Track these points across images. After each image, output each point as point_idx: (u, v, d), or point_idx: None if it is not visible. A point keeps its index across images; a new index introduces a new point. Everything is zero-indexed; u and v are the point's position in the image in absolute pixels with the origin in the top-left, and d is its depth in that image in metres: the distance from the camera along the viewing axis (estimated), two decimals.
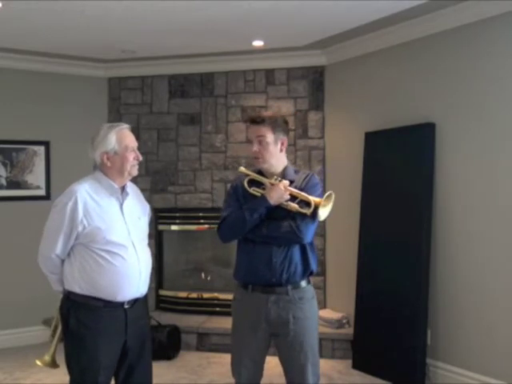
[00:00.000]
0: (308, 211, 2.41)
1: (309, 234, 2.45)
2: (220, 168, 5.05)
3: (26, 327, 4.84)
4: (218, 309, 4.97)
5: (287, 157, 2.65)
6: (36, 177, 4.95)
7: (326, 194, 2.43)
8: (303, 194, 2.45)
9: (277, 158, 2.55)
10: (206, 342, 4.65)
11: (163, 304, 5.17)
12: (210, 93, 5.09)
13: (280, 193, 2.43)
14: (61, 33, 4.18)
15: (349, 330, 4.39)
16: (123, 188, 2.47)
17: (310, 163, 4.81)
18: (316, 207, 2.40)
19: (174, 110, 5.17)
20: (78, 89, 5.12)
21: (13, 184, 4.86)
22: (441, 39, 3.83)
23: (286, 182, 2.47)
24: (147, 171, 5.08)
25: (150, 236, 2.66)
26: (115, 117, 5.18)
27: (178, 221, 5.12)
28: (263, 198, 2.46)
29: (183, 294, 5.13)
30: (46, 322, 4.85)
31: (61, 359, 2.50)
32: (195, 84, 5.12)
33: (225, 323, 4.62)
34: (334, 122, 4.77)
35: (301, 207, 2.43)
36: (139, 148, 2.51)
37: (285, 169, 2.58)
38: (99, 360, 2.33)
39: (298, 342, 2.47)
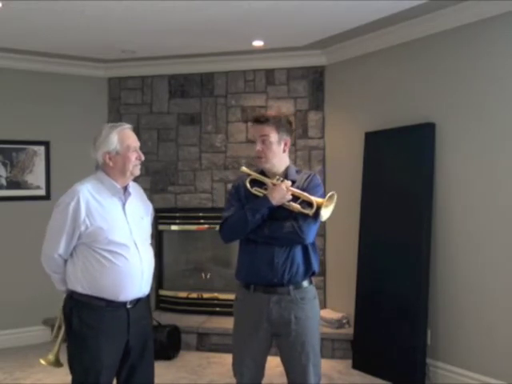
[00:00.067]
0: (310, 212, 2.41)
1: (311, 234, 2.45)
2: (220, 168, 5.05)
3: (25, 327, 4.85)
4: (218, 309, 4.97)
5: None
6: (36, 177, 4.95)
7: (329, 195, 2.42)
8: (305, 194, 2.45)
9: (279, 158, 2.55)
10: (206, 342, 4.65)
11: (163, 304, 5.17)
12: (210, 93, 5.09)
13: (282, 193, 2.43)
14: (61, 33, 4.18)
15: (349, 330, 4.39)
16: (126, 188, 2.47)
17: (310, 163, 4.81)
18: (318, 208, 2.40)
19: (174, 110, 5.17)
20: (77, 89, 5.12)
21: (13, 184, 4.86)
22: (441, 39, 3.83)
23: (288, 183, 2.46)
24: (147, 171, 5.08)
25: (150, 236, 2.66)
26: (115, 117, 5.18)
27: (178, 221, 5.12)
28: (265, 198, 2.45)
29: (183, 294, 5.13)
30: (46, 322, 4.88)
31: (64, 359, 2.50)
32: (195, 84, 5.12)
33: (225, 323, 4.62)
34: (334, 122, 4.77)
35: (303, 207, 2.43)
36: (139, 148, 2.52)
37: (287, 169, 2.57)
38: (101, 360, 2.33)
39: (300, 343, 2.47)
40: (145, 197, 2.66)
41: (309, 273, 2.54)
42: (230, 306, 4.97)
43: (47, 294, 4.72)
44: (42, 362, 2.63)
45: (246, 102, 5.00)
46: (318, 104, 4.85)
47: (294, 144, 4.80)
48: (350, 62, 4.58)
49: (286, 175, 2.54)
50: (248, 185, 2.54)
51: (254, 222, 2.43)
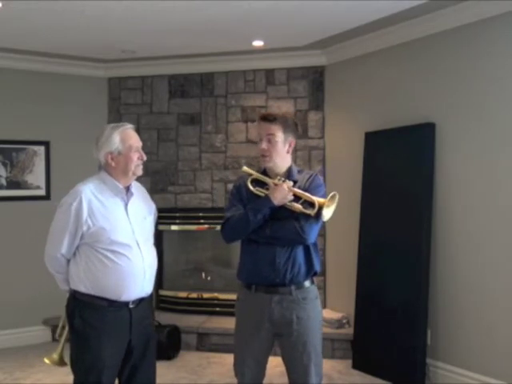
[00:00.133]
0: (312, 212, 2.40)
1: (312, 234, 2.45)
2: (220, 168, 5.05)
3: (25, 327, 4.84)
4: (218, 309, 4.97)
5: None
6: (36, 177, 4.95)
7: (330, 195, 2.42)
8: (307, 194, 2.44)
9: (283, 158, 2.54)
10: (206, 342, 4.65)
11: (163, 304, 5.17)
12: (210, 93, 5.09)
13: (284, 193, 2.42)
14: (61, 33, 4.18)
15: (349, 330, 4.39)
16: (128, 188, 2.48)
17: (310, 163, 4.81)
18: (320, 208, 2.39)
19: (174, 110, 5.17)
20: (77, 89, 5.12)
21: (13, 184, 4.86)
22: (441, 39, 3.83)
23: (290, 183, 2.46)
24: (147, 171, 5.04)
25: (153, 236, 2.65)
26: (115, 117, 5.18)
27: (178, 221, 5.12)
28: (267, 198, 2.44)
29: (183, 294, 5.13)
30: (46, 322, 4.88)
31: (68, 358, 2.50)
32: (195, 84, 5.12)
33: (225, 323, 4.62)
34: (334, 122, 4.77)
35: (305, 208, 2.42)
36: (141, 148, 2.52)
37: (289, 169, 2.57)
38: (103, 359, 2.34)
39: (302, 343, 2.46)
40: (148, 197, 2.66)
41: (310, 273, 2.53)
42: (230, 306, 4.95)
43: (47, 294, 4.74)
44: (46, 361, 2.64)
45: (246, 101, 5.00)
46: (318, 104, 4.85)
47: None
48: (350, 62, 4.58)
49: (287, 175, 2.54)
50: (249, 185, 2.53)
51: (255, 222, 2.43)
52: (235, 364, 2.58)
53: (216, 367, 4.26)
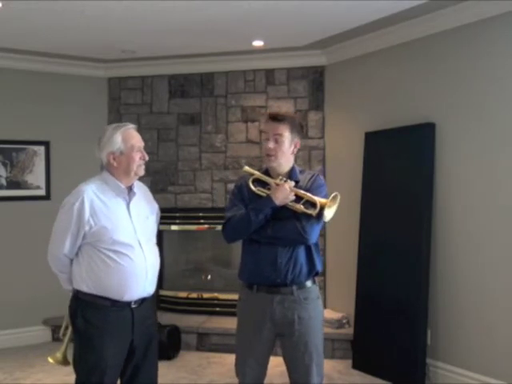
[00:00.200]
0: (314, 212, 2.40)
1: (314, 234, 2.45)
2: (220, 168, 5.05)
3: (26, 327, 4.85)
4: (218, 309, 4.97)
5: None
6: (36, 177, 4.95)
7: (332, 195, 2.42)
8: (309, 194, 2.44)
9: (287, 158, 2.54)
10: (206, 342, 4.65)
11: (163, 304, 5.17)
12: (210, 93, 5.09)
13: (285, 193, 2.42)
14: (61, 33, 4.18)
15: (349, 330, 4.39)
16: (130, 188, 2.48)
17: (310, 163, 4.81)
18: (322, 208, 2.39)
19: (174, 110, 5.17)
20: (77, 89, 5.12)
21: (13, 184, 4.86)
22: (441, 39, 3.83)
23: (292, 183, 2.46)
24: (147, 171, 4.94)
25: (156, 235, 2.65)
26: (115, 117, 5.19)
27: (178, 221, 5.12)
28: (268, 198, 2.44)
29: (183, 294, 5.13)
30: (46, 322, 4.88)
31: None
32: (195, 84, 5.12)
33: (225, 323, 4.62)
34: (334, 122, 4.77)
35: (306, 208, 2.42)
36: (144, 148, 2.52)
37: (291, 169, 2.57)
38: (106, 359, 2.34)
39: (303, 343, 2.46)
40: (151, 197, 2.66)
41: (312, 273, 2.53)
42: (230, 306, 4.97)
43: (47, 294, 4.76)
44: (50, 360, 2.64)
45: (246, 101, 5.00)
46: (318, 104, 4.85)
47: None
48: (350, 62, 4.58)
49: (289, 175, 2.53)
50: (251, 184, 2.53)
51: (257, 222, 2.42)
52: (236, 364, 2.58)
53: (216, 367, 4.26)
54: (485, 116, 3.56)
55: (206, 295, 5.08)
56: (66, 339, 2.59)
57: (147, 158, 2.49)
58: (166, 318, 4.79)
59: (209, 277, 5.34)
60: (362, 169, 4.34)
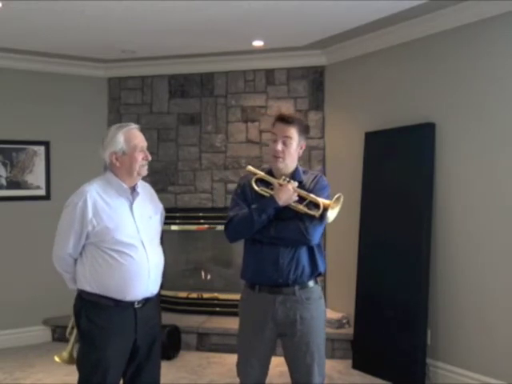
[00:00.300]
0: (317, 213, 2.40)
1: (316, 235, 2.45)
2: (220, 168, 5.05)
3: (25, 327, 4.85)
4: (218, 309, 4.97)
5: None
6: (36, 177, 4.95)
7: (336, 197, 2.42)
8: (312, 195, 2.44)
9: (293, 159, 2.54)
10: (206, 342, 4.65)
11: (163, 304, 5.15)
12: (210, 93, 5.09)
13: (289, 194, 2.42)
14: (61, 33, 4.18)
15: (349, 330, 4.39)
16: (134, 188, 2.48)
17: (310, 163, 4.81)
18: (325, 209, 2.39)
19: (174, 110, 5.17)
20: (78, 89, 5.12)
21: (13, 184, 4.86)
22: (441, 39, 3.83)
23: (295, 183, 2.46)
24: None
25: (160, 235, 2.65)
26: (115, 117, 5.19)
27: (178, 221, 5.12)
28: (272, 198, 2.44)
29: (183, 294, 5.12)
30: (46, 322, 4.88)
31: None
32: (195, 84, 5.12)
33: (225, 323, 4.62)
34: (334, 122, 4.77)
35: (309, 209, 2.42)
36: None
37: (294, 170, 2.57)
38: (109, 359, 2.35)
39: (305, 343, 2.47)
40: (155, 197, 2.67)
41: (314, 273, 2.53)
42: (230, 306, 4.97)
43: (47, 294, 4.76)
44: (57, 359, 2.65)
45: (246, 102, 5.00)
46: (318, 104, 4.85)
47: None
48: (350, 62, 4.58)
49: (293, 176, 2.53)
50: (254, 184, 2.52)
51: (260, 223, 2.42)
52: (238, 364, 2.58)
53: (216, 367, 4.25)
54: (485, 116, 3.56)
55: (205, 295, 5.08)
56: (73, 338, 2.60)
57: (150, 158, 2.49)
58: (166, 318, 4.77)
59: (208, 277, 5.34)
60: (362, 169, 4.34)
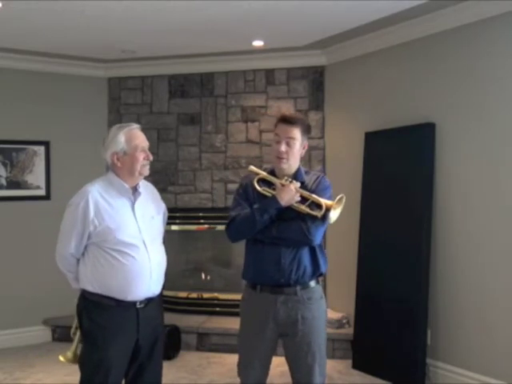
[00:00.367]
0: (319, 214, 2.40)
1: (318, 236, 2.45)
2: (220, 168, 5.05)
3: (25, 327, 4.84)
4: (218, 309, 4.97)
5: None
6: (36, 177, 4.95)
7: (338, 197, 2.42)
8: (314, 196, 2.43)
9: (295, 160, 2.53)
10: (206, 342, 4.65)
11: (163, 304, 5.15)
12: (210, 93, 5.09)
13: (291, 194, 2.41)
14: (61, 33, 4.18)
15: (349, 330, 4.39)
16: (136, 188, 2.48)
17: (310, 163, 4.81)
18: (327, 210, 2.39)
19: (174, 110, 5.17)
20: (78, 89, 5.12)
21: (13, 184, 4.86)
22: (441, 39, 3.83)
23: (297, 184, 2.45)
24: None
25: (162, 235, 2.65)
26: (115, 117, 5.19)
27: (178, 221, 5.12)
28: (274, 198, 2.43)
29: (183, 294, 5.12)
30: (47, 322, 4.88)
31: None
32: (195, 84, 5.12)
33: (225, 323, 4.62)
34: (334, 122, 4.77)
35: (311, 209, 2.42)
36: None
37: (297, 170, 2.56)
38: (111, 359, 2.35)
39: (306, 343, 2.47)
40: (158, 196, 2.66)
41: (316, 274, 2.53)
42: (230, 306, 4.96)
43: (47, 294, 4.77)
44: (61, 358, 2.66)
45: (246, 101, 5.00)
46: (318, 104, 4.85)
47: None
48: (350, 62, 4.58)
49: (295, 176, 2.53)
50: (256, 184, 2.52)
51: (262, 223, 2.42)
52: (239, 364, 2.58)
53: (216, 367, 4.25)
54: (485, 116, 3.56)
55: (205, 295, 5.08)
56: (77, 338, 2.60)
57: (151, 158, 2.49)
58: (166, 318, 4.72)
59: (208, 278, 5.34)
60: (362, 169, 4.34)
